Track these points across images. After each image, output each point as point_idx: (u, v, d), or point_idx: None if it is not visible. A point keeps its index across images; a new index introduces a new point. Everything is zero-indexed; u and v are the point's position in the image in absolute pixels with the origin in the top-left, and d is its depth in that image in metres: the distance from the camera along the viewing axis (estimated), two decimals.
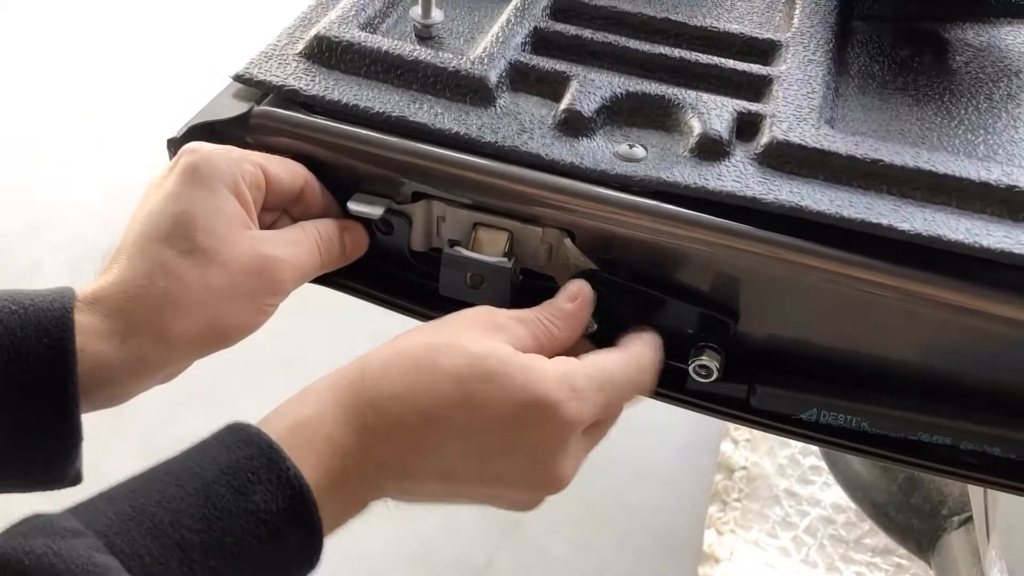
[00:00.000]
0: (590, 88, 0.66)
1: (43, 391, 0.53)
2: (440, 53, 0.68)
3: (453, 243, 0.64)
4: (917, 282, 0.58)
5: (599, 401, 0.55)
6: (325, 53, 0.68)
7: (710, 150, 0.63)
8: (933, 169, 0.61)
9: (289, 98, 0.66)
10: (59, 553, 0.42)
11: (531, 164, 0.63)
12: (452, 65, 0.66)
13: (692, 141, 0.63)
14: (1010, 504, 0.96)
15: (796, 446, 1.79)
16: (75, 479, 0.57)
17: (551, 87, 0.67)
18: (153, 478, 0.48)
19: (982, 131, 0.67)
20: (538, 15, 0.73)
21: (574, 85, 0.66)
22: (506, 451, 0.53)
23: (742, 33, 0.73)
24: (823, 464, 1.66)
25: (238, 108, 0.66)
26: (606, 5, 0.74)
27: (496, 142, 0.63)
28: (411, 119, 0.64)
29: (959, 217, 0.59)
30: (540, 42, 0.71)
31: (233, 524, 0.46)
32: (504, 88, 0.67)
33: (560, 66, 0.68)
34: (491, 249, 0.64)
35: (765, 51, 0.72)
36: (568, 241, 0.63)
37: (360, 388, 0.53)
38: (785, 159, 0.62)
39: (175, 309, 0.56)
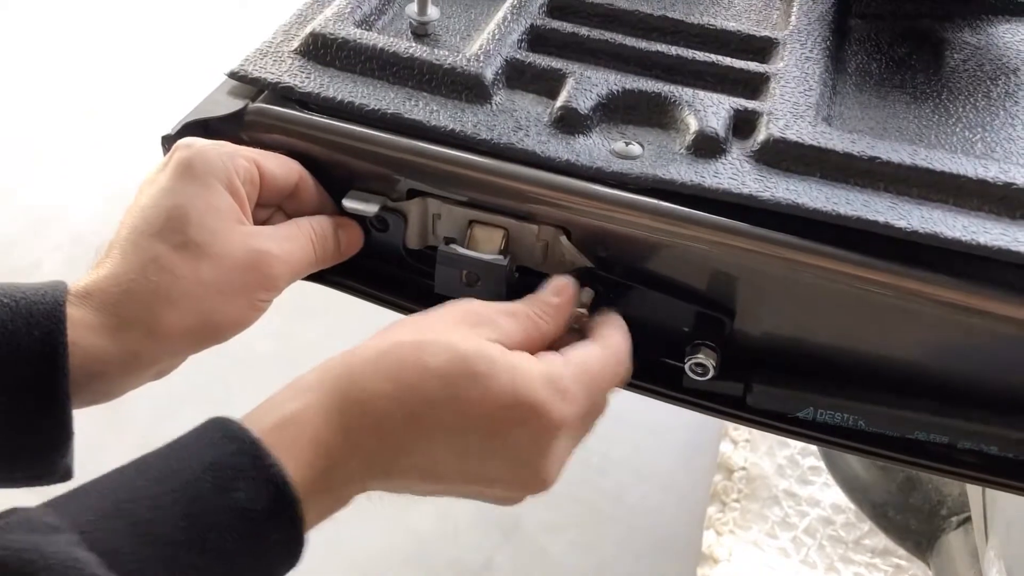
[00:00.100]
0: (586, 85, 0.66)
1: (33, 383, 0.53)
2: (436, 50, 0.67)
3: (449, 241, 0.64)
4: (914, 280, 0.58)
5: (584, 401, 0.55)
6: (321, 50, 0.68)
7: (706, 147, 0.62)
8: (930, 166, 0.60)
9: (284, 95, 0.66)
10: (38, 548, 0.42)
11: (527, 161, 0.62)
12: (448, 62, 0.66)
13: (688, 138, 0.63)
14: (1008, 504, 0.96)
15: (795, 447, 1.79)
16: (65, 474, 0.56)
17: (547, 84, 0.67)
18: (135, 473, 0.47)
19: (980, 129, 0.67)
20: (535, 12, 0.72)
21: (570, 82, 0.66)
22: (492, 451, 0.53)
23: (739, 31, 0.72)
24: (822, 465, 1.66)
25: (233, 105, 0.66)
26: (603, 2, 0.74)
27: (492, 139, 0.63)
28: (406, 116, 0.64)
29: (956, 214, 0.59)
30: (536, 39, 0.71)
31: (215, 521, 0.46)
32: (500, 85, 0.67)
33: (556, 63, 0.68)
34: (487, 247, 0.63)
35: (762, 49, 0.72)
36: (564, 238, 0.63)
37: (346, 386, 0.52)
38: (782, 156, 0.62)
39: (167, 303, 0.56)
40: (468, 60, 0.66)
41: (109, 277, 0.56)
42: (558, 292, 0.61)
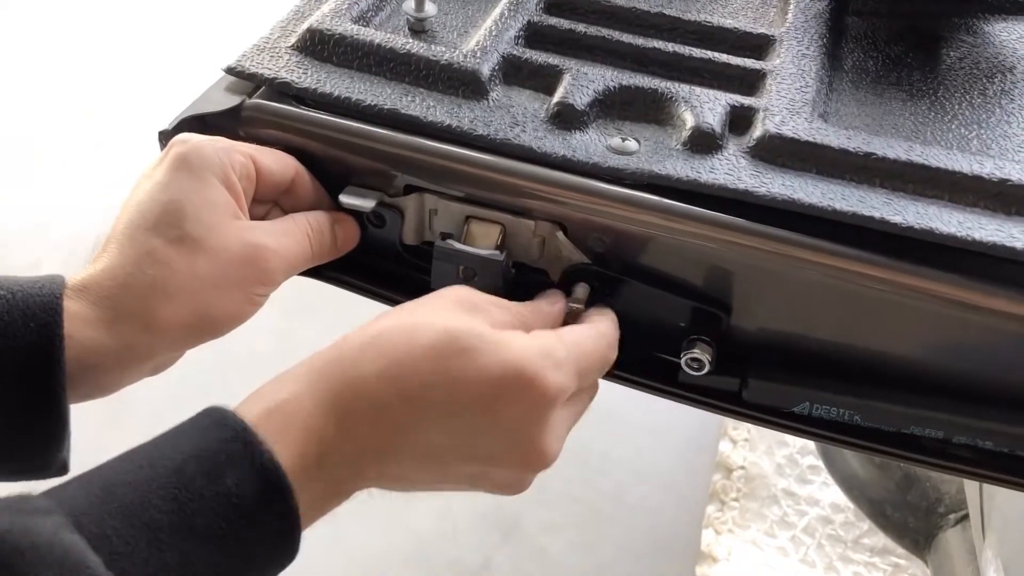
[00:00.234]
0: (583, 81, 0.66)
1: (29, 375, 0.53)
2: (433, 46, 0.68)
3: (445, 236, 0.64)
4: (909, 275, 0.58)
5: (576, 375, 0.55)
6: (318, 46, 0.68)
7: (703, 143, 0.63)
8: (926, 163, 0.61)
9: (281, 91, 0.66)
10: (24, 530, 0.42)
11: (523, 157, 0.63)
12: (445, 58, 0.66)
13: (685, 134, 0.63)
14: (1005, 501, 0.96)
15: (794, 446, 1.79)
16: (62, 469, 0.56)
17: (544, 80, 0.67)
18: (126, 460, 0.47)
19: (975, 126, 0.67)
20: (532, 9, 0.73)
21: (567, 79, 0.66)
22: (488, 426, 0.53)
23: (736, 28, 0.73)
24: (821, 464, 1.66)
25: (230, 101, 0.66)
26: None
27: (488, 135, 0.63)
28: (403, 112, 0.64)
29: (952, 211, 0.59)
30: (534, 36, 0.71)
31: (204, 506, 0.46)
32: (497, 81, 0.67)
33: (553, 60, 0.68)
34: (483, 242, 0.64)
35: (759, 46, 0.72)
36: (560, 234, 0.63)
37: (337, 371, 0.52)
38: (778, 152, 0.62)
39: (163, 297, 0.56)
40: (465, 56, 0.67)
41: (105, 271, 0.56)
42: (553, 302, 0.62)
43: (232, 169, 0.60)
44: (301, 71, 0.67)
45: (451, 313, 0.55)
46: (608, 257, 0.63)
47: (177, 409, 0.53)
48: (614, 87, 0.66)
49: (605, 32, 0.71)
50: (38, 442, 0.54)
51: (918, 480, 1.32)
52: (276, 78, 0.66)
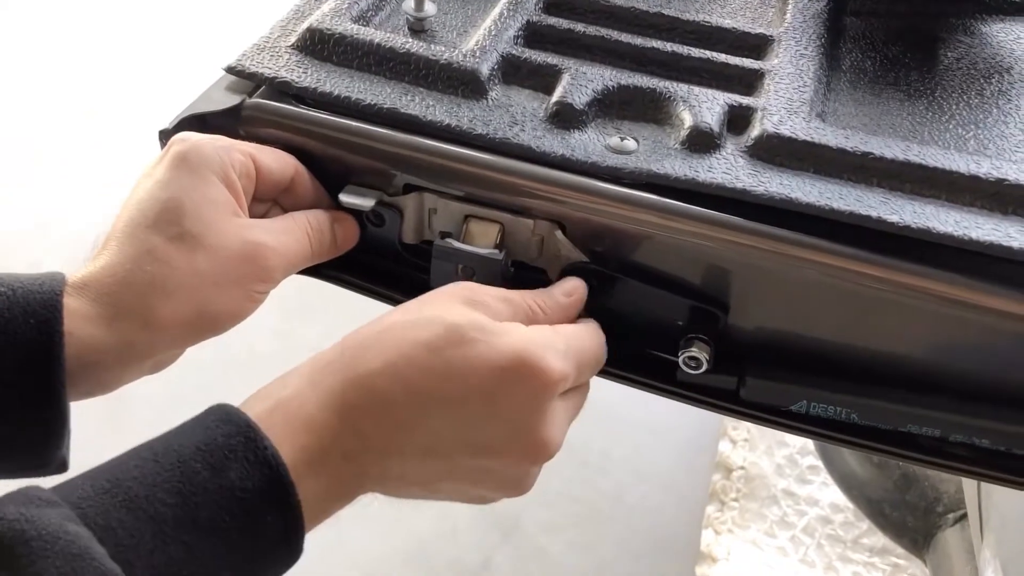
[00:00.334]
0: (582, 81, 0.66)
1: (29, 371, 0.53)
2: (432, 46, 0.68)
3: (445, 235, 0.65)
4: (906, 274, 0.58)
5: (576, 364, 0.56)
6: (318, 45, 0.68)
7: (701, 143, 0.63)
8: (923, 162, 0.61)
9: (281, 90, 0.67)
10: (31, 520, 0.43)
11: (522, 156, 0.63)
12: (444, 58, 0.67)
13: (683, 134, 0.64)
14: (1003, 501, 0.96)
15: (794, 446, 1.79)
16: (61, 466, 0.57)
17: (543, 80, 0.68)
18: (133, 455, 0.48)
19: (973, 126, 0.67)
20: (531, 9, 0.73)
21: (566, 78, 0.66)
22: (491, 415, 0.53)
23: (735, 28, 0.73)
24: (821, 464, 1.66)
25: (230, 100, 0.67)
26: None
27: (487, 134, 0.63)
28: (403, 111, 0.64)
29: (948, 210, 0.59)
30: (533, 35, 0.72)
31: (207, 500, 0.46)
32: (496, 81, 0.67)
33: (552, 59, 0.68)
34: (482, 241, 0.64)
35: (757, 46, 0.72)
36: (559, 233, 0.63)
37: (339, 368, 0.53)
38: (775, 151, 0.62)
39: (162, 294, 0.57)
40: (464, 56, 0.67)
41: (105, 268, 0.57)
42: (568, 293, 0.62)
43: (232, 167, 0.60)
44: (301, 70, 0.67)
45: (453, 307, 0.55)
46: (606, 256, 0.63)
47: (177, 408, 0.54)
48: (613, 87, 0.66)
49: (604, 32, 0.71)
50: (38, 439, 0.55)
51: (917, 479, 1.32)
52: (276, 77, 0.66)
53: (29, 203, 2.35)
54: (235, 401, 0.52)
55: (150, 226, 0.57)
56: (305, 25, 0.69)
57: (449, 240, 0.64)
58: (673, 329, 0.63)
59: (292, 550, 0.49)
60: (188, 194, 0.58)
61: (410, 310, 0.56)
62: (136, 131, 2.48)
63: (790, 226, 0.59)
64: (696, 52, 0.70)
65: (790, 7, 0.75)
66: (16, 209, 2.33)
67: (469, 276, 0.64)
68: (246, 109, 0.66)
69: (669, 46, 0.70)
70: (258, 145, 0.63)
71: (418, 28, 0.72)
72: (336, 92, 0.65)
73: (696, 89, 0.66)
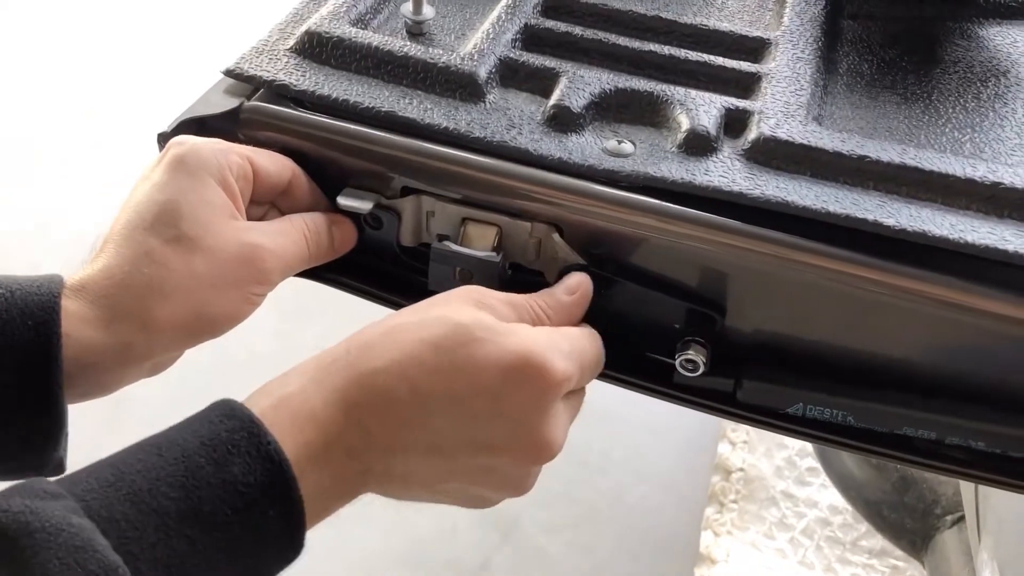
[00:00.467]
0: (579, 84, 0.66)
1: (27, 373, 0.53)
2: (430, 49, 0.68)
3: (442, 238, 0.65)
4: (902, 277, 0.58)
5: (579, 365, 0.56)
6: (316, 48, 0.68)
7: (698, 146, 0.63)
8: (919, 166, 0.61)
9: (279, 93, 0.67)
10: (35, 512, 0.43)
11: (520, 159, 0.63)
12: (442, 61, 0.67)
13: (680, 137, 0.64)
14: (1000, 503, 0.96)
15: (793, 448, 1.79)
16: (58, 467, 0.57)
17: (541, 83, 0.68)
18: (136, 449, 0.48)
19: (969, 129, 0.68)
20: (529, 12, 0.73)
21: (563, 81, 0.67)
22: (494, 413, 0.53)
23: (732, 31, 0.73)
24: (820, 466, 1.66)
25: (229, 103, 0.67)
26: (597, 2, 0.75)
27: (485, 137, 0.63)
28: (400, 114, 0.64)
29: (944, 213, 0.60)
30: (531, 39, 0.72)
31: (211, 494, 0.47)
32: (494, 84, 0.68)
33: (550, 62, 0.69)
34: (480, 244, 0.64)
35: (755, 49, 0.72)
36: (556, 236, 0.63)
37: (345, 365, 0.53)
38: (772, 155, 0.62)
39: (160, 296, 0.57)
40: (462, 59, 0.67)
41: (103, 270, 0.57)
42: (571, 291, 0.62)
43: (229, 170, 0.60)
44: (299, 73, 0.67)
45: (462, 307, 0.56)
46: (603, 258, 0.63)
47: (177, 409, 0.54)
48: (610, 90, 0.66)
49: (602, 35, 0.72)
50: (35, 440, 0.55)
51: (915, 482, 1.32)
52: (274, 80, 0.67)
53: (29, 203, 2.36)
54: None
55: (147, 228, 0.58)
56: (303, 28, 0.69)
57: (447, 243, 0.64)
58: (670, 332, 0.64)
59: (294, 545, 0.50)
60: (185, 197, 0.58)
61: (417, 311, 0.56)
62: (136, 131, 2.48)
63: (787, 229, 0.59)
64: (693, 55, 0.70)
65: (787, 10, 0.75)
66: (16, 209, 2.34)
67: (467, 279, 0.64)
68: (244, 112, 0.66)
69: (666, 49, 0.71)
70: (255, 148, 0.63)
71: (416, 31, 0.72)
72: (334, 95, 0.65)
73: (693, 92, 0.66)
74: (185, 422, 0.50)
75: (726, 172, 0.61)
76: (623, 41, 0.71)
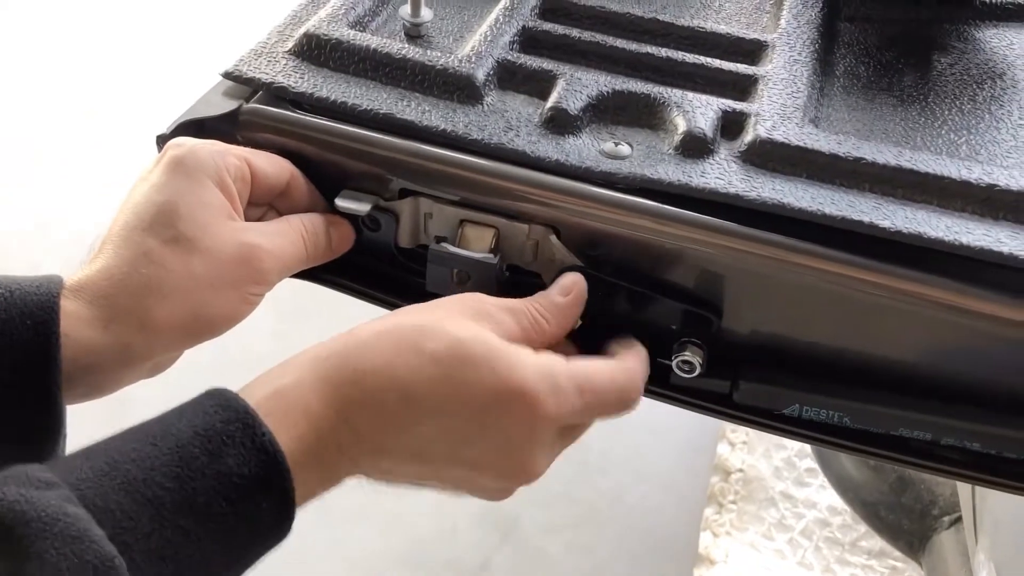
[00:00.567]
0: (577, 87, 0.66)
1: (25, 372, 0.53)
2: (428, 51, 0.68)
3: (440, 239, 0.65)
4: (897, 278, 0.58)
5: (577, 404, 0.55)
6: (314, 51, 0.69)
7: (694, 148, 0.63)
8: (915, 168, 0.61)
9: (278, 95, 0.67)
10: (31, 501, 0.43)
11: (517, 161, 0.63)
12: (440, 63, 0.67)
13: (677, 139, 0.64)
14: (997, 504, 0.96)
15: (792, 449, 1.79)
16: None
17: (538, 85, 0.68)
18: (130, 437, 0.48)
19: (965, 132, 0.68)
20: (527, 14, 0.73)
21: (561, 83, 0.67)
22: (480, 436, 0.54)
23: (729, 33, 0.73)
24: (818, 467, 1.66)
25: (227, 105, 0.67)
26: (594, 5, 0.75)
27: (482, 139, 0.64)
28: (398, 116, 0.65)
29: (940, 215, 0.60)
30: (528, 41, 0.72)
31: (205, 485, 0.47)
32: (491, 86, 0.68)
33: (547, 65, 0.69)
34: (477, 245, 0.64)
35: (751, 51, 0.72)
36: (554, 237, 0.63)
37: (341, 362, 0.53)
38: (768, 157, 0.62)
39: (158, 296, 0.57)
40: (460, 61, 0.67)
41: (101, 271, 0.57)
42: (566, 292, 0.62)
43: (226, 171, 0.60)
44: (298, 76, 0.67)
45: (462, 320, 0.55)
46: (600, 260, 0.63)
47: None
48: (607, 92, 0.67)
49: (599, 37, 0.72)
50: (33, 440, 0.55)
51: (912, 482, 1.32)
52: (273, 83, 0.67)
53: (29, 203, 2.36)
54: None
55: (146, 229, 0.58)
56: (302, 30, 0.69)
57: (444, 244, 0.64)
58: (667, 333, 0.64)
59: (281, 531, 0.50)
60: (183, 197, 0.58)
61: (420, 315, 0.56)
62: (136, 132, 2.49)
63: (783, 231, 0.60)
64: (690, 57, 0.70)
65: (784, 13, 0.75)
66: (16, 209, 2.34)
67: (464, 280, 0.65)
68: (243, 114, 0.66)
69: (664, 51, 0.71)
70: (253, 149, 0.64)
71: (414, 33, 0.72)
72: (332, 97, 0.66)
73: (690, 94, 0.66)
74: (178, 410, 0.50)
75: (722, 174, 0.62)
76: (620, 43, 0.71)
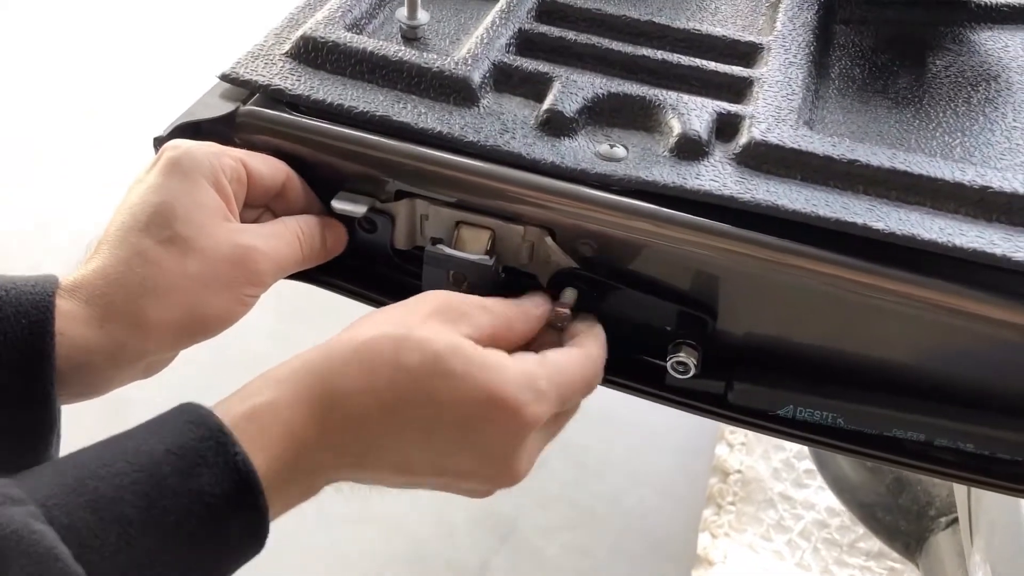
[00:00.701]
0: (572, 89, 0.67)
1: (20, 371, 0.53)
2: (425, 54, 0.68)
3: (436, 241, 0.65)
4: (891, 280, 0.58)
5: (557, 402, 0.56)
6: (311, 53, 0.69)
7: (689, 150, 0.63)
8: (908, 169, 0.61)
9: (275, 97, 0.67)
10: None
11: (513, 163, 0.63)
12: (436, 65, 0.67)
13: (672, 141, 0.64)
14: (992, 505, 0.97)
15: (791, 450, 1.80)
16: None
17: (534, 88, 0.68)
18: (101, 451, 0.48)
19: (959, 134, 0.68)
20: (523, 17, 0.73)
21: (557, 86, 0.67)
22: (463, 447, 0.54)
23: (724, 36, 0.73)
24: (816, 468, 1.67)
25: (224, 107, 0.67)
26: (590, 7, 0.75)
27: (478, 141, 0.64)
28: (395, 118, 0.65)
29: (933, 217, 0.60)
30: (524, 43, 0.72)
31: (175, 504, 0.46)
32: (488, 88, 0.68)
33: (543, 67, 0.69)
34: (473, 247, 0.64)
35: (747, 54, 0.73)
36: (549, 239, 0.64)
37: (320, 380, 0.53)
38: (763, 159, 0.63)
39: (152, 296, 0.57)
40: (456, 64, 0.67)
41: (97, 271, 0.57)
42: (537, 305, 0.62)
43: (222, 172, 0.61)
44: (295, 78, 0.68)
45: (438, 328, 0.55)
46: (596, 261, 0.64)
47: None
48: (603, 94, 0.67)
49: (595, 40, 0.72)
50: (27, 439, 0.55)
51: (909, 483, 1.33)
52: (270, 85, 0.67)
53: (29, 203, 2.36)
54: None
55: (141, 230, 0.58)
56: (299, 33, 0.70)
57: (440, 246, 0.64)
58: (662, 334, 0.64)
59: (254, 548, 0.50)
60: (179, 198, 0.59)
61: (393, 324, 0.56)
62: (136, 132, 2.49)
63: (777, 233, 0.60)
64: (686, 60, 0.70)
65: (780, 15, 0.76)
66: (16, 209, 2.34)
67: (460, 281, 0.65)
68: (240, 116, 0.67)
69: (659, 54, 0.71)
70: (249, 151, 0.64)
71: (411, 36, 0.72)
72: (329, 100, 0.66)
73: (685, 97, 0.67)
74: (150, 425, 0.50)
75: (717, 176, 0.62)
76: (616, 46, 0.72)
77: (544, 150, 0.64)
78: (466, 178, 0.64)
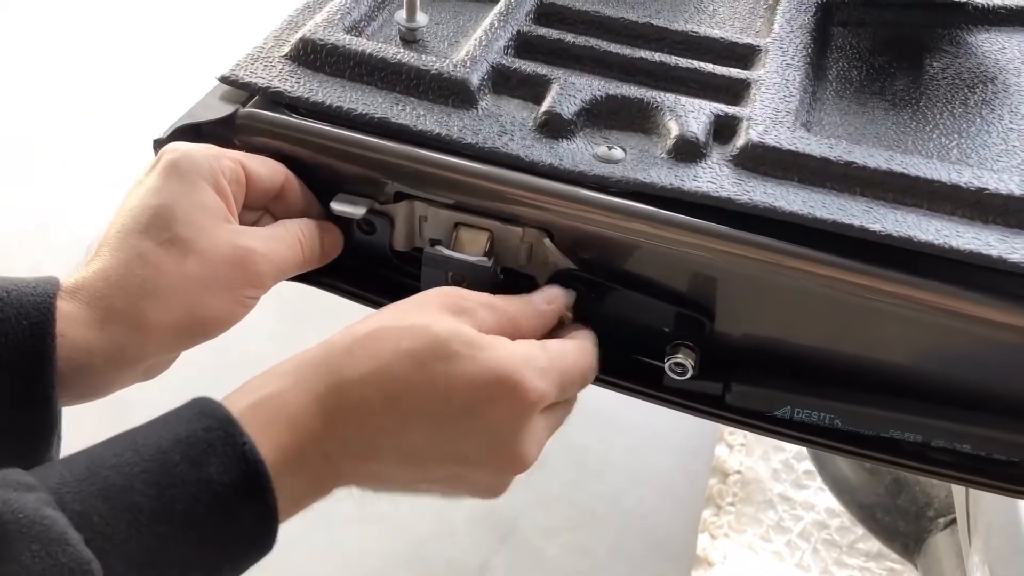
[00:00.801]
0: (571, 91, 0.67)
1: (21, 372, 0.54)
2: (423, 56, 0.69)
3: (435, 242, 0.65)
4: (887, 281, 0.59)
5: (558, 382, 0.56)
6: (310, 55, 0.69)
7: (687, 152, 0.64)
8: (905, 171, 0.61)
9: (274, 100, 0.67)
10: (8, 503, 0.43)
11: (511, 165, 0.64)
12: (435, 68, 0.67)
13: (669, 143, 0.64)
14: (990, 506, 0.97)
15: (790, 451, 1.80)
16: None
17: (533, 90, 0.68)
18: (112, 443, 0.49)
19: (956, 135, 0.68)
20: (521, 19, 0.74)
21: (555, 88, 0.67)
22: (469, 430, 0.54)
23: (722, 38, 0.73)
24: (815, 469, 1.67)
25: (224, 109, 0.67)
26: (589, 10, 0.75)
27: (477, 143, 0.64)
28: (393, 120, 0.65)
29: (930, 219, 0.60)
30: (523, 46, 0.73)
31: (184, 493, 0.47)
32: (486, 91, 0.68)
33: (542, 69, 0.69)
34: (472, 248, 0.65)
35: (745, 56, 0.73)
36: (547, 240, 0.64)
37: (325, 371, 0.54)
38: (760, 161, 0.63)
39: (153, 297, 0.57)
40: (455, 66, 0.68)
41: (97, 273, 0.58)
42: (550, 300, 0.62)
43: (222, 174, 0.61)
44: (294, 80, 0.68)
45: (438, 316, 0.56)
46: (594, 263, 0.64)
47: None
48: (601, 96, 0.67)
49: (593, 42, 0.72)
50: (28, 441, 0.55)
51: (907, 484, 1.33)
52: (269, 87, 0.67)
53: (29, 203, 2.36)
54: None
55: (141, 232, 0.58)
56: (298, 35, 0.70)
57: (439, 247, 0.65)
58: (660, 335, 0.64)
59: (265, 542, 0.50)
60: (179, 200, 0.59)
61: (395, 316, 0.56)
62: (136, 132, 2.49)
63: (774, 235, 0.60)
64: (683, 62, 0.71)
65: (778, 18, 0.76)
66: (16, 209, 2.34)
67: (459, 283, 0.65)
68: (240, 118, 0.67)
69: (657, 56, 0.71)
70: (248, 153, 0.64)
71: (410, 38, 0.73)
72: (328, 102, 0.66)
73: (683, 99, 0.67)
74: (161, 419, 0.51)
75: (714, 178, 0.62)
76: (614, 48, 0.72)
77: (542, 152, 0.64)
78: (465, 180, 0.64)
